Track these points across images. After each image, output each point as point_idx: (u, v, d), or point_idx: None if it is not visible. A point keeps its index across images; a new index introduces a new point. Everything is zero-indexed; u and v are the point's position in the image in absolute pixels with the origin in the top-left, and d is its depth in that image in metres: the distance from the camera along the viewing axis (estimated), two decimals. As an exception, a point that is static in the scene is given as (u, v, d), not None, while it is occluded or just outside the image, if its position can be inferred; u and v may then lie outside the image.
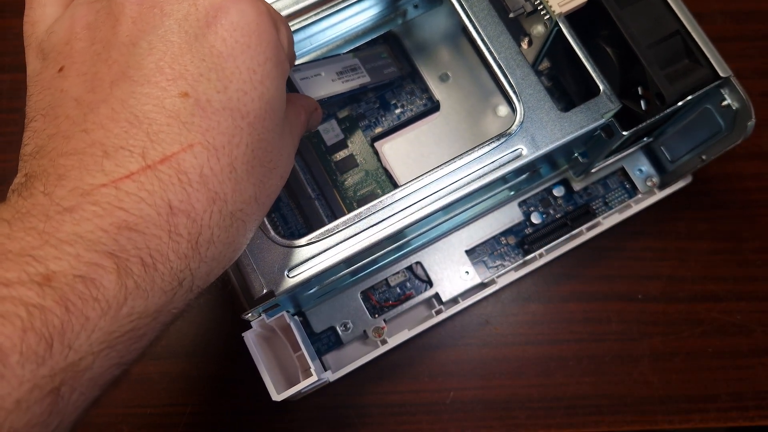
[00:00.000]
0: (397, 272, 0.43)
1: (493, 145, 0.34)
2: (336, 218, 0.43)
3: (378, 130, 0.45)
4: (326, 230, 0.33)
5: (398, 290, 0.43)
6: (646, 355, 0.44)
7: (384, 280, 0.42)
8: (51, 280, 0.20)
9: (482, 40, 0.35)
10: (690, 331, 0.45)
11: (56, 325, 0.20)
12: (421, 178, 0.34)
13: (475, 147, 0.34)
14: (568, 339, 0.44)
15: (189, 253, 0.23)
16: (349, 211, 0.43)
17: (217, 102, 0.24)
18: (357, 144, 0.44)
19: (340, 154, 0.44)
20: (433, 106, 0.45)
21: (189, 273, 0.24)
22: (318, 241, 0.32)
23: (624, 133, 0.35)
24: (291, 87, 0.42)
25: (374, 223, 0.33)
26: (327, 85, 0.42)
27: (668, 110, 0.35)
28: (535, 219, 0.44)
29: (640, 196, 0.44)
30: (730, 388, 0.44)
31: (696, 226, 0.46)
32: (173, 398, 0.42)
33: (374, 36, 0.44)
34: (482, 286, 0.42)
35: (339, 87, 0.42)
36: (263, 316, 0.34)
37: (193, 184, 0.23)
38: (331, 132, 0.44)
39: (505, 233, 0.44)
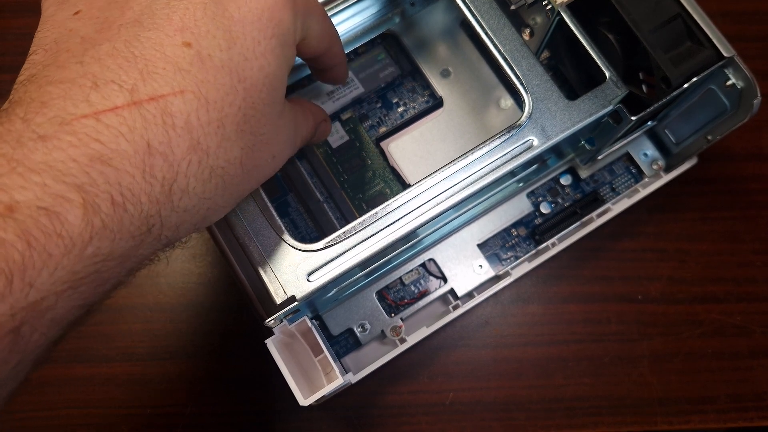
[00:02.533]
0: (411, 270, 0.43)
1: (504, 137, 0.34)
2: (346, 220, 0.43)
3: (382, 129, 0.45)
4: (342, 233, 0.33)
5: (413, 288, 0.43)
6: (646, 356, 0.44)
7: (398, 278, 0.42)
8: (14, 211, 0.19)
9: (486, 34, 0.35)
10: (689, 333, 0.45)
11: (17, 260, 0.19)
12: (433, 175, 0.34)
13: (485, 141, 0.34)
14: (567, 340, 0.44)
15: (161, 198, 0.23)
16: (359, 212, 0.43)
17: (217, 59, 0.24)
18: (362, 145, 0.44)
19: (346, 156, 0.44)
20: (436, 103, 0.45)
21: (159, 219, 0.23)
22: (335, 244, 0.32)
23: (632, 117, 0.35)
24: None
25: (389, 223, 0.33)
26: None
27: (674, 93, 0.35)
28: (545, 209, 0.44)
29: (646, 180, 0.45)
30: (730, 389, 0.44)
31: (696, 227, 0.47)
32: (173, 399, 0.42)
33: (372, 36, 0.44)
34: (497, 279, 0.42)
35: (329, 108, 0.44)
36: (284, 321, 0.33)
37: (177, 129, 0.23)
38: (335, 134, 0.44)
39: (516, 225, 0.44)
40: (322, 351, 0.34)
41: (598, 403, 0.43)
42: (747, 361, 0.44)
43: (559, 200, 0.45)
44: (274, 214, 0.33)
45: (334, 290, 0.36)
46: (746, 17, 0.51)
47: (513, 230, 0.44)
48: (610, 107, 0.34)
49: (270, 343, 0.33)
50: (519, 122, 0.34)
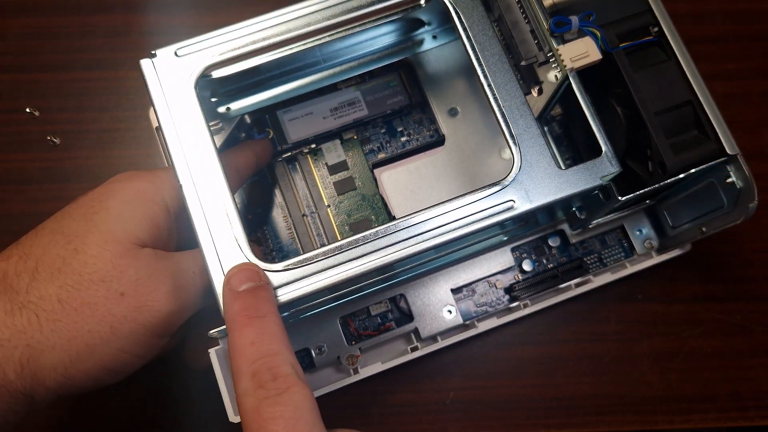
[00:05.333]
0: (380, 302, 0.42)
1: (486, 192, 0.33)
2: (327, 238, 0.43)
3: (381, 155, 0.44)
4: (305, 258, 0.32)
5: (378, 320, 0.42)
6: (646, 355, 0.44)
7: (366, 307, 0.42)
8: None
9: (489, 85, 0.35)
10: (690, 332, 0.44)
11: None
12: (412, 215, 0.33)
13: (468, 192, 0.33)
14: (567, 339, 0.44)
15: None
16: (341, 233, 0.43)
17: (47, 228, 0.31)
18: (358, 167, 0.44)
19: (340, 175, 0.44)
20: (439, 139, 0.44)
21: None
22: (295, 268, 0.32)
23: (620, 198, 0.34)
24: (278, 127, 0.43)
25: (354, 257, 0.32)
26: (315, 124, 0.44)
27: (669, 180, 0.34)
28: (527, 266, 0.43)
29: (635, 257, 0.43)
30: (730, 388, 0.43)
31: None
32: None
33: (389, 61, 0.44)
34: (463, 327, 0.42)
35: (329, 124, 0.44)
36: (232, 334, 0.33)
37: None
38: (333, 152, 0.44)
39: (495, 277, 0.43)
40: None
41: (598, 402, 0.43)
42: (747, 360, 0.44)
43: (544, 260, 0.44)
44: (240, 227, 0.32)
45: (288, 312, 0.36)
46: (746, 16, 0.50)
47: (490, 281, 0.43)
48: (599, 183, 0.33)
49: (212, 353, 0.33)
50: (504, 180, 0.33)
